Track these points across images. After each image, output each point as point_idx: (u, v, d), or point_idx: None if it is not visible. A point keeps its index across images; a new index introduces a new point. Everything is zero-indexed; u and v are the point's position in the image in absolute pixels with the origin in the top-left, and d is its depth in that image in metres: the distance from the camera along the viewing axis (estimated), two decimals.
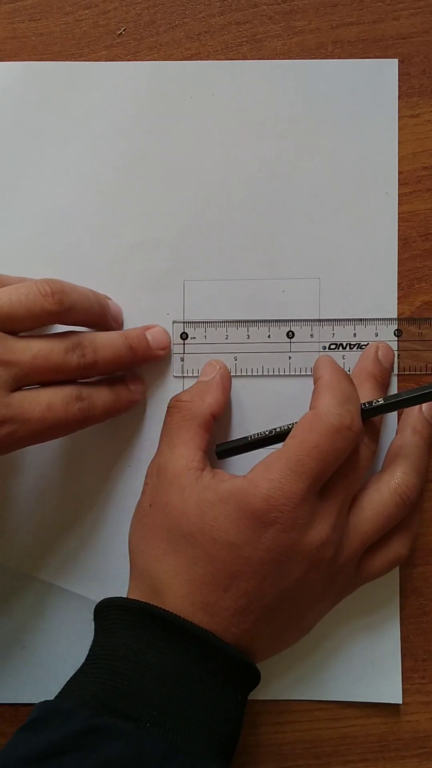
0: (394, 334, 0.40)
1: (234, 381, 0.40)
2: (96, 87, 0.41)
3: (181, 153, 0.41)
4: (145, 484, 0.38)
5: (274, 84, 0.40)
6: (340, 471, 0.35)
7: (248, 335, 0.40)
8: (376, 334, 0.40)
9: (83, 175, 0.41)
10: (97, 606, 0.36)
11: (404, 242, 0.41)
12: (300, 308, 0.40)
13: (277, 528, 0.33)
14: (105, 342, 0.37)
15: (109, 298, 0.40)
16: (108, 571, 0.40)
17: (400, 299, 0.41)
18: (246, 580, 0.33)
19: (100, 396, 0.37)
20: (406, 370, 0.41)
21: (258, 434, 0.37)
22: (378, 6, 0.41)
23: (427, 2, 0.41)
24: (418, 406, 0.39)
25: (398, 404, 0.37)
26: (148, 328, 0.40)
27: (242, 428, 0.40)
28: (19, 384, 0.34)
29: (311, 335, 0.40)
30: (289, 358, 0.40)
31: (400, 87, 0.41)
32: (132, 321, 0.41)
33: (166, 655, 0.33)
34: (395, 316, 0.41)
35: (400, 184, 0.41)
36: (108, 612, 0.35)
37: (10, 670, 0.40)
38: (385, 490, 0.37)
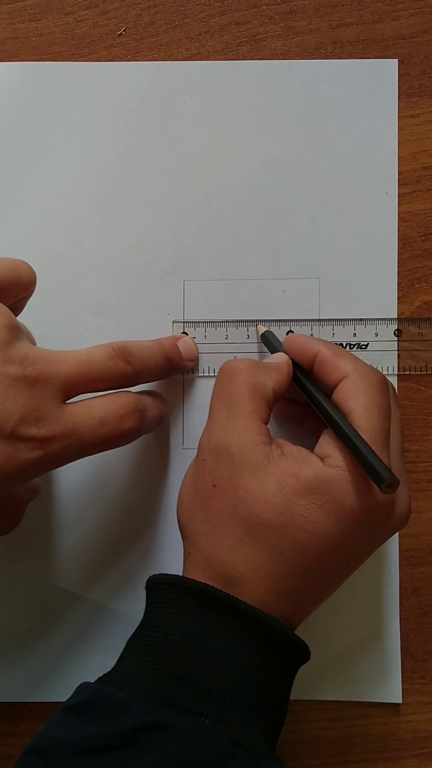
0: (394, 334, 0.40)
1: None
2: (96, 87, 0.41)
3: (181, 153, 0.41)
4: (202, 460, 0.34)
5: (275, 84, 0.40)
6: (393, 429, 0.34)
7: (248, 335, 0.40)
8: (376, 334, 0.40)
9: (83, 175, 0.41)
10: (151, 579, 0.34)
11: (404, 242, 0.41)
12: (300, 308, 0.40)
13: (376, 513, 0.32)
14: (146, 351, 0.35)
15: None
16: (103, 570, 0.40)
17: (400, 299, 0.41)
18: (336, 563, 0.32)
19: (152, 408, 0.35)
20: (406, 370, 0.41)
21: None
22: (378, 6, 0.41)
23: (427, 2, 0.41)
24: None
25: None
26: (177, 338, 0.39)
27: None
28: (68, 395, 0.32)
29: (311, 335, 0.40)
30: None
31: (400, 87, 0.41)
32: (132, 321, 0.41)
33: (226, 642, 0.31)
34: (395, 316, 0.41)
35: (400, 184, 0.41)
36: (164, 590, 0.33)
37: (11, 669, 0.40)
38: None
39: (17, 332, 0.31)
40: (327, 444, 0.33)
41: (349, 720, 0.40)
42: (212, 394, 0.35)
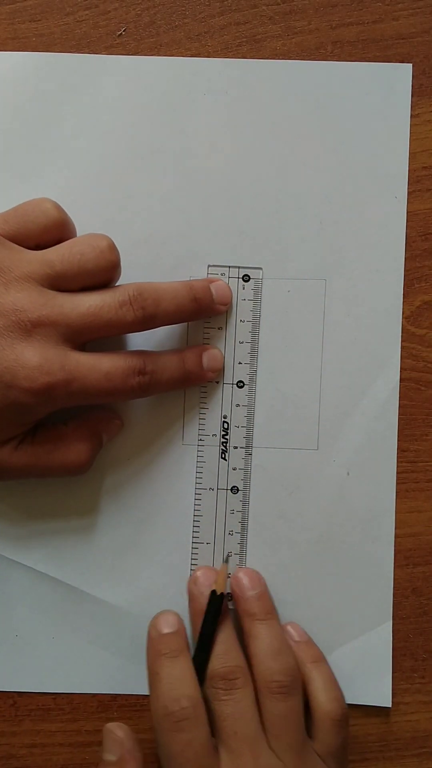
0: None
1: None
2: (110, 80, 0.40)
3: (192, 149, 0.40)
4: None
5: (289, 84, 0.40)
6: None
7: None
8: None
9: (92, 168, 0.41)
10: None
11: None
12: (305, 309, 0.40)
13: None
14: (168, 293, 0.36)
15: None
16: (97, 562, 0.40)
17: None
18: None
19: (166, 371, 0.37)
20: (406, 370, 0.41)
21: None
22: (378, 6, 0.41)
23: (427, 2, 0.41)
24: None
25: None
26: (211, 281, 0.39)
27: None
28: (74, 342, 0.34)
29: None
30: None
31: None
32: None
33: None
34: (400, 320, 0.40)
35: None
36: None
37: (3, 658, 0.40)
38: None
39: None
40: None
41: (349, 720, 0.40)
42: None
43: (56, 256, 0.35)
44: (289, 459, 0.40)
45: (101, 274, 0.35)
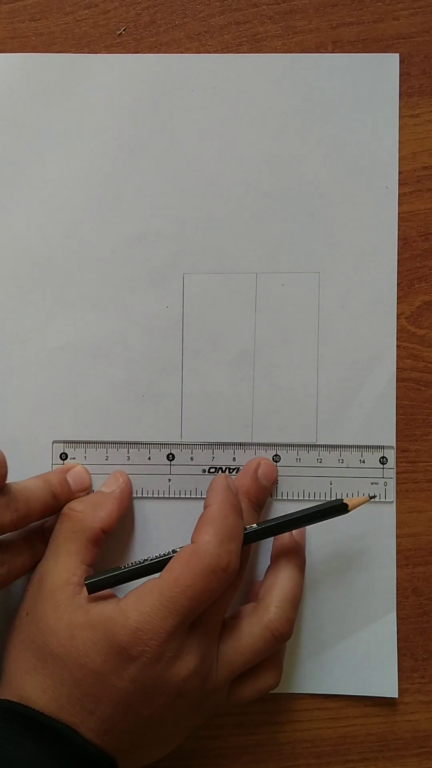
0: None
1: None
2: (97, 79, 0.41)
3: (182, 146, 0.41)
4: (26, 590, 0.37)
5: (276, 78, 0.40)
6: (213, 613, 0.35)
7: (128, 456, 0.40)
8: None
9: (83, 167, 0.41)
10: None
11: (404, 242, 0.41)
12: (299, 302, 0.40)
13: (143, 661, 0.33)
14: (33, 493, 0.37)
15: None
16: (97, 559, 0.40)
17: (400, 299, 0.41)
18: (111, 706, 0.33)
19: (20, 558, 0.37)
20: (406, 370, 0.41)
21: (133, 564, 0.36)
22: (378, 6, 0.41)
23: (427, 2, 0.41)
24: (288, 533, 0.38)
25: (270, 531, 0.37)
26: (68, 469, 0.40)
27: (122, 552, 0.41)
28: None
29: (191, 458, 0.40)
30: (169, 480, 0.41)
31: (400, 87, 0.41)
32: (132, 313, 0.41)
33: (25, 750, 0.32)
34: (395, 310, 0.41)
35: (400, 184, 0.41)
36: None
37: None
38: (257, 625, 0.36)
39: None
40: (138, 588, 0.34)
41: (349, 719, 0.40)
42: (52, 534, 0.38)
43: None
44: (289, 452, 0.40)
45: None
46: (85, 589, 0.35)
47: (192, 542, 0.35)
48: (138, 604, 0.33)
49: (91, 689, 0.33)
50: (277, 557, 0.39)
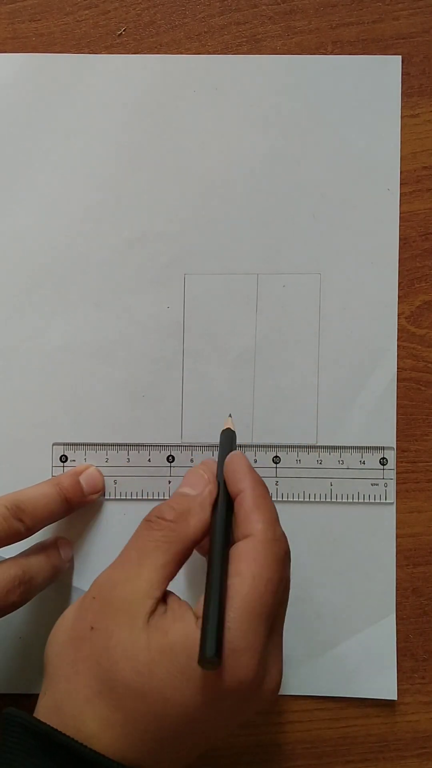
0: (273, 460, 0.40)
1: (114, 504, 0.40)
2: (99, 80, 0.41)
3: (183, 146, 0.41)
4: (91, 597, 0.31)
5: (278, 79, 0.40)
6: (284, 601, 0.32)
7: (128, 458, 0.40)
8: (255, 460, 0.40)
9: (84, 167, 0.41)
10: (4, 713, 0.30)
11: (404, 242, 0.41)
12: (300, 303, 0.40)
13: (240, 688, 0.29)
14: (40, 501, 0.36)
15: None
16: (90, 556, 0.40)
17: (400, 299, 0.41)
18: (195, 736, 0.29)
19: (41, 572, 0.36)
20: (406, 370, 0.41)
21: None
22: (378, 6, 0.41)
23: (427, 2, 0.41)
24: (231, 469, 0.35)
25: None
26: (80, 471, 0.39)
27: None
28: None
29: (191, 460, 0.40)
30: (169, 482, 0.40)
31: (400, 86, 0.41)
32: (133, 313, 0.41)
33: None
34: (396, 312, 0.41)
35: (400, 184, 0.41)
36: (12, 729, 0.29)
37: (7, 661, 0.40)
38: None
39: None
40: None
41: (349, 720, 0.40)
42: (132, 535, 0.33)
43: None
44: (289, 453, 0.40)
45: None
46: (168, 602, 0.30)
47: (244, 535, 0.31)
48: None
49: (173, 724, 0.28)
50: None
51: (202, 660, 0.27)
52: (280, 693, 0.40)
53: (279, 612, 0.31)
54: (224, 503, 0.33)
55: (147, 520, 0.33)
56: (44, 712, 0.30)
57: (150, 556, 0.31)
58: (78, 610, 0.32)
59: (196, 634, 0.28)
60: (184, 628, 0.29)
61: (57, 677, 0.30)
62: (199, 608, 0.30)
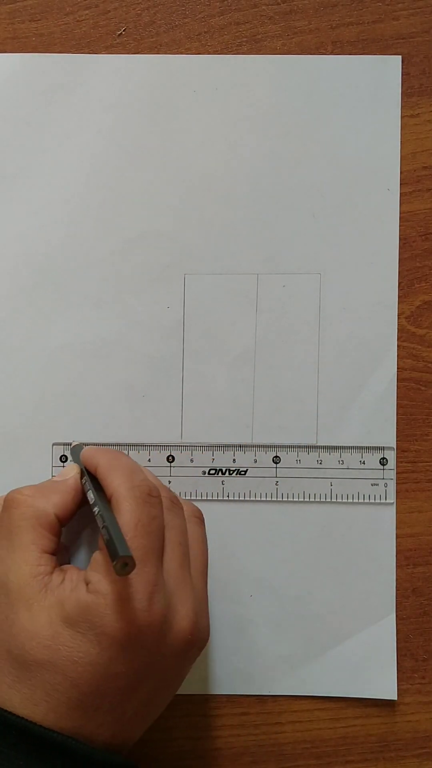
0: (273, 460, 0.40)
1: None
2: (99, 80, 0.41)
3: (183, 146, 0.41)
4: None
5: (278, 79, 0.40)
6: (170, 541, 0.33)
7: None
8: (255, 460, 0.40)
9: (84, 167, 0.41)
10: None
11: (404, 242, 0.41)
12: (300, 303, 0.41)
13: (139, 636, 0.30)
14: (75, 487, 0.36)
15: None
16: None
17: (400, 299, 0.41)
18: (118, 693, 0.30)
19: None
20: (406, 370, 0.41)
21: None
22: (378, 6, 0.41)
23: (427, 2, 0.41)
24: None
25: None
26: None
27: None
28: None
29: (191, 460, 0.40)
30: (169, 482, 0.40)
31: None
32: (133, 314, 0.41)
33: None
34: (396, 312, 0.41)
35: (400, 184, 0.41)
36: None
37: None
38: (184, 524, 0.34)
39: None
40: (95, 564, 0.31)
41: (349, 720, 0.40)
42: None
43: None
44: (289, 453, 0.40)
45: None
46: (57, 573, 0.32)
47: (109, 497, 0.33)
48: (108, 574, 0.30)
49: (91, 685, 0.30)
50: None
51: (115, 561, 0.29)
52: (279, 693, 0.40)
53: (170, 550, 0.32)
54: (91, 480, 0.35)
55: (4, 500, 0.34)
56: None
57: (16, 537, 0.32)
58: None
59: (88, 598, 0.30)
60: (77, 596, 0.30)
61: None
62: (87, 575, 0.31)
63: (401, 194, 0.41)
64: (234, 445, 0.41)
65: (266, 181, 0.41)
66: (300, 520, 0.40)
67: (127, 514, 0.31)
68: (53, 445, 0.40)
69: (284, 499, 0.40)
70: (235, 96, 0.41)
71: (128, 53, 0.41)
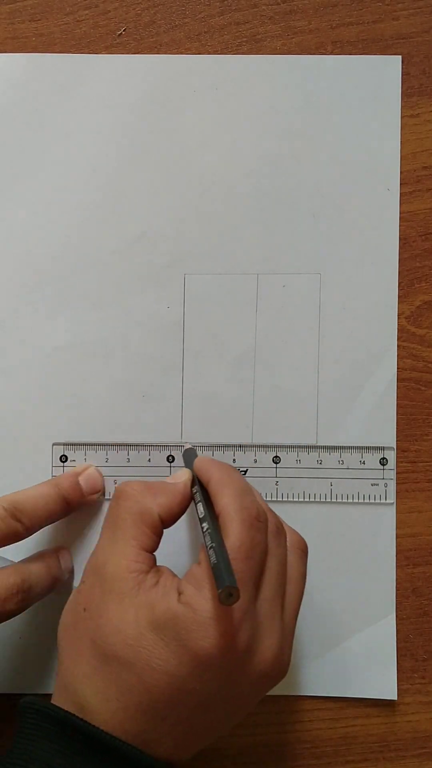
0: (273, 460, 0.40)
1: None
2: (99, 80, 0.41)
3: (183, 146, 0.41)
4: (81, 581, 0.34)
5: (278, 79, 0.40)
6: (269, 569, 0.32)
7: (128, 458, 0.40)
8: (255, 460, 0.40)
9: (84, 167, 0.41)
10: (20, 703, 0.32)
11: (404, 242, 0.41)
12: (300, 303, 0.41)
13: (223, 658, 0.30)
14: (39, 501, 0.36)
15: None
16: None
17: (400, 299, 0.41)
18: (189, 708, 0.30)
19: (40, 582, 0.36)
20: (406, 370, 0.41)
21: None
22: (378, 6, 0.41)
23: (427, 2, 0.41)
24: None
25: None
26: (80, 471, 0.39)
27: None
28: None
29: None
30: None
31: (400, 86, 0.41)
32: (133, 313, 0.41)
33: None
34: (396, 312, 0.41)
35: (400, 184, 0.41)
36: (29, 715, 0.31)
37: (7, 661, 0.40)
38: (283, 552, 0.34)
39: None
40: (191, 577, 0.31)
41: (349, 720, 0.40)
42: (105, 515, 0.35)
43: None
44: (289, 453, 0.40)
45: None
46: (152, 573, 0.32)
47: (217, 514, 0.32)
48: (200, 590, 0.30)
49: (164, 695, 0.30)
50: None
51: (221, 591, 0.28)
52: (279, 693, 0.40)
53: (268, 579, 0.32)
54: (202, 492, 0.35)
55: (116, 492, 0.34)
56: (56, 693, 0.32)
57: (119, 529, 0.33)
58: (74, 594, 0.34)
59: (178, 609, 0.30)
60: (168, 603, 0.30)
61: (63, 658, 0.33)
62: (181, 585, 0.31)
63: (401, 194, 0.41)
64: (234, 445, 0.41)
65: (266, 181, 0.41)
66: (300, 520, 0.40)
67: (233, 537, 0.31)
68: (53, 445, 0.41)
69: (284, 499, 0.40)
70: (235, 96, 0.41)
71: (128, 53, 0.41)
